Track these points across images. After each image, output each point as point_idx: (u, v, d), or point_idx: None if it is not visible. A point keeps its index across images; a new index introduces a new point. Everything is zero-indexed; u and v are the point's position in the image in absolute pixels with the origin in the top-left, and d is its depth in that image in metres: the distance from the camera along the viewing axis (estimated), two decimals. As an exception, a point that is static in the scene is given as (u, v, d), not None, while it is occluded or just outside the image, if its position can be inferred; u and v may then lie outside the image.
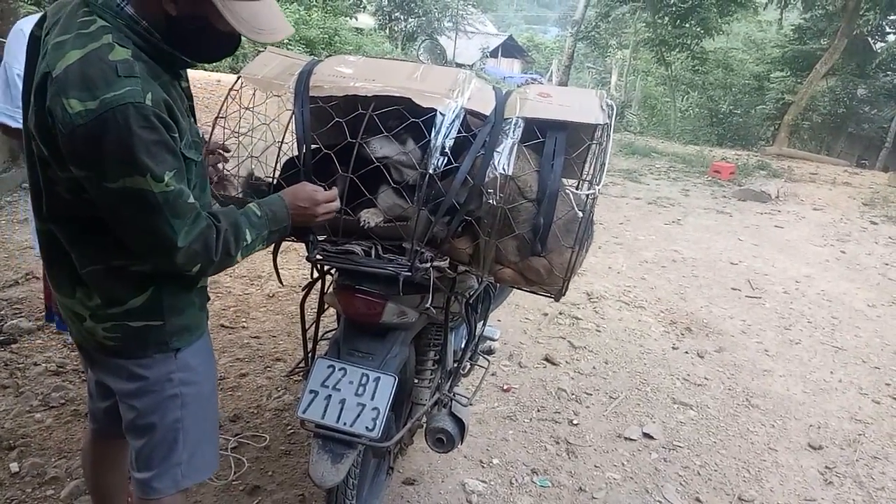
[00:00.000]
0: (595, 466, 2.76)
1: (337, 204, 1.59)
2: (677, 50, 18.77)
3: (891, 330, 4.61)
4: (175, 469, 1.50)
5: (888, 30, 16.54)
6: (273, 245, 1.81)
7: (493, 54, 35.37)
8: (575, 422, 3.06)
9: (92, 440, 1.77)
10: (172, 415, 1.47)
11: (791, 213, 8.27)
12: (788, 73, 18.72)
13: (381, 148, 1.66)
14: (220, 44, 1.33)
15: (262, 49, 1.93)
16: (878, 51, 17.09)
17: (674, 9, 17.07)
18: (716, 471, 2.81)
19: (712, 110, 21.16)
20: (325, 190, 1.57)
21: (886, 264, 6.26)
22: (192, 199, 1.26)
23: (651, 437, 2.99)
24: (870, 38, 16.92)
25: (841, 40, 14.48)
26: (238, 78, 1.80)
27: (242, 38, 1.32)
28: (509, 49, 37.71)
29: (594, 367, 3.64)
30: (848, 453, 3.03)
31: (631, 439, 2.97)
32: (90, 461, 1.80)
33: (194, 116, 1.44)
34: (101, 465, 1.80)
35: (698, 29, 17.58)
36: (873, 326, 4.65)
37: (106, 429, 1.69)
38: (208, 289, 1.58)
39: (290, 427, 2.76)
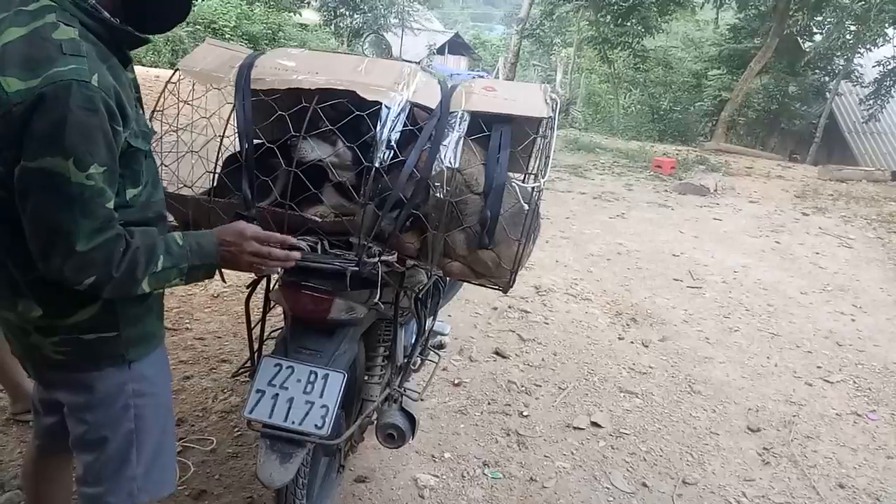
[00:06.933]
0: (545, 456, 2.80)
1: (292, 254, 1.45)
2: (619, 48, 19.14)
3: (821, 316, 4.83)
4: (130, 483, 1.40)
5: (815, 30, 17.26)
6: None
7: (440, 51, 35.42)
8: (525, 413, 3.10)
9: (36, 457, 1.66)
10: (125, 427, 1.37)
11: (728, 206, 8.56)
12: (725, 71, 19.34)
13: (312, 151, 1.64)
14: (174, 8, 1.32)
15: (201, 42, 1.88)
16: (807, 49, 17.83)
17: (615, 7, 17.38)
18: (661, 456, 2.89)
19: (653, 107, 21.73)
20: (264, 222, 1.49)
21: (817, 253, 6.56)
22: (110, 206, 1.16)
23: (599, 426, 3.06)
24: (799, 38, 17.62)
25: (773, 39, 15.04)
26: (175, 70, 1.75)
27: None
28: (456, 46, 37.81)
29: (543, 359, 3.69)
30: (783, 434, 3.17)
31: (579, 428, 3.03)
32: (32, 475, 1.69)
33: (142, 107, 1.37)
34: (46, 482, 1.69)
35: (639, 27, 17.97)
36: (805, 313, 4.86)
37: (51, 445, 1.59)
38: None
39: (237, 429, 2.70)
